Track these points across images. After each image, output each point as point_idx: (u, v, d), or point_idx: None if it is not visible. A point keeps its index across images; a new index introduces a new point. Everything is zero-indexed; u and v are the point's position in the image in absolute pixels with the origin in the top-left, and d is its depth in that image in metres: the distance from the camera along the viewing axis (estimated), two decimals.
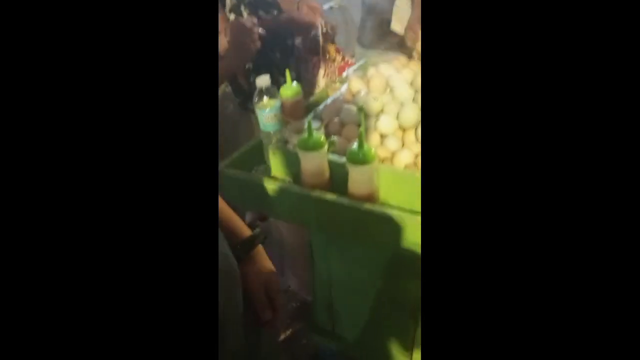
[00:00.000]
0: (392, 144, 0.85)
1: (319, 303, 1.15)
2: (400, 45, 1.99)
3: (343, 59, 1.51)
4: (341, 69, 1.49)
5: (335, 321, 1.15)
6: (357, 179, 0.73)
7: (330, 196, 0.76)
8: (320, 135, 0.77)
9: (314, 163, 0.78)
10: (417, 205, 0.76)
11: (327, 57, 1.48)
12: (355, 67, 1.40)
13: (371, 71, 1.11)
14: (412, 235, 0.69)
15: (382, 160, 0.83)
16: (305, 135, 0.76)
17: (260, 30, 1.20)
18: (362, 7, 2.01)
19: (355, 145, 0.72)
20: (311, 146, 0.75)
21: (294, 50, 1.42)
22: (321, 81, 1.47)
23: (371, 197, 0.74)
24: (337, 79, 1.32)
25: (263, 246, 0.66)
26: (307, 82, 1.43)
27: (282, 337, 1.55)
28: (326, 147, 0.77)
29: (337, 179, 0.80)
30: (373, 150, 0.71)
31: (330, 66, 1.52)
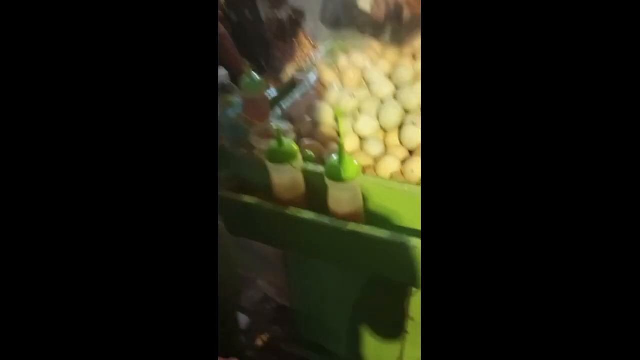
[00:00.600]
0: (374, 148, 0.75)
1: (298, 312, 1.06)
2: (369, 25, 1.88)
3: (312, 44, 1.40)
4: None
5: (317, 332, 1.06)
6: (339, 196, 0.63)
7: (307, 214, 0.66)
8: (291, 144, 0.66)
9: (287, 176, 0.67)
10: (407, 221, 0.67)
11: (295, 42, 1.37)
12: (323, 51, 1.29)
13: (342, 60, 1.00)
14: (402, 257, 0.60)
15: (364, 169, 0.73)
16: (275, 144, 0.65)
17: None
18: None
19: (334, 156, 0.62)
20: (282, 158, 0.64)
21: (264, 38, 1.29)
22: (289, 68, 1.36)
23: (356, 216, 0.64)
24: (304, 66, 1.20)
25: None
26: (275, 70, 1.31)
27: (260, 342, 1.46)
28: (300, 157, 0.66)
29: (314, 191, 0.70)
30: (356, 162, 0.61)
31: (299, 52, 1.40)
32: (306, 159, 0.67)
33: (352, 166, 0.60)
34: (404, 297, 0.75)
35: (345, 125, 0.77)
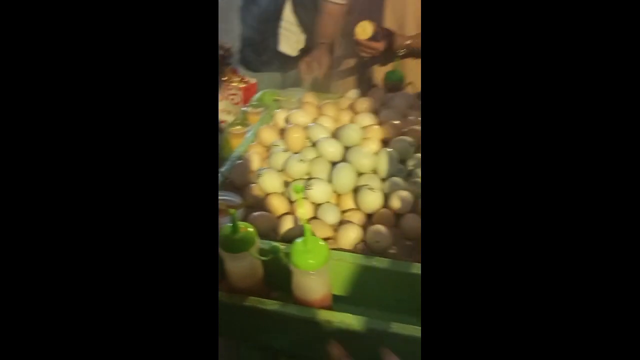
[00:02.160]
0: (332, 216, 0.70)
1: None
2: (288, 65, 1.87)
3: (242, 80, 1.33)
4: (247, 92, 1.31)
5: None
6: (307, 284, 0.56)
7: (270, 304, 0.58)
8: (247, 230, 0.58)
9: (244, 264, 0.59)
10: (381, 303, 0.63)
11: (223, 79, 1.30)
12: (253, 101, 1.23)
13: (279, 117, 0.95)
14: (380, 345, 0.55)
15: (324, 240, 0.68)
16: (229, 230, 0.57)
17: None
18: (243, 25, 1.84)
19: (298, 240, 0.55)
20: (240, 246, 0.56)
21: None
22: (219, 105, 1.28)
23: (324, 301, 0.58)
24: (237, 117, 1.13)
25: None
26: None
27: None
28: (258, 241, 0.59)
29: (274, 276, 0.62)
30: (323, 243, 0.55)
31: (228, 88, 1.33)
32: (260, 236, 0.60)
33: (321, 251, 0.54)
34: None
35: (304, 202, 0.71)
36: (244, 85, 1.38)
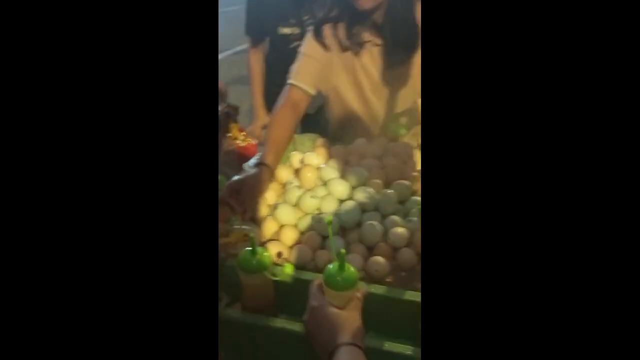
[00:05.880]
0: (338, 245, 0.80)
1: None
2: None
3: (246, 138, 1.41)
4: (248, 150, 1.40)
5: None
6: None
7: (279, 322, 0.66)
8: (264, 253, 0.67)
9: (259, 283, 0.68)
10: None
11: (228, 135, 1.40)
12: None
13: (294, 159, 1.06)
14: None
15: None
16: (247, 253, 0.66)
17: None
18: None
19: (330, 266, 0.61)
20: (257, 268, 0.66)
21: None
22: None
23: None
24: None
25: None
26: None
27: None
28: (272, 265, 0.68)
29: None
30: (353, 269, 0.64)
31: (231, 145, 1.41)
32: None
33: (353, 274, 0.60)
34: None
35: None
36: (246, 144, 1.41)
